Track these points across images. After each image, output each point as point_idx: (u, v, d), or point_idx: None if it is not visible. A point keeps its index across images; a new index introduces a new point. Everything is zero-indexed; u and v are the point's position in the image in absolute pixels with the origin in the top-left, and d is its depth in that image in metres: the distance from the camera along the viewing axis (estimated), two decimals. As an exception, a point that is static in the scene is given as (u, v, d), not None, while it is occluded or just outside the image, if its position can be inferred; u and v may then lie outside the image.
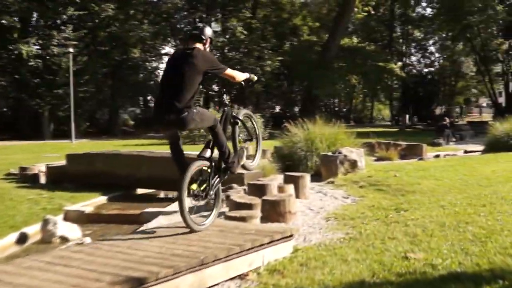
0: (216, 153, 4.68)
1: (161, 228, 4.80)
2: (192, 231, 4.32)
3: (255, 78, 4.95)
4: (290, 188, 6.87)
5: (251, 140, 5.28)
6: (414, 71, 50.17)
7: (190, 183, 4.31)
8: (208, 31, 4.58)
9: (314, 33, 39.13)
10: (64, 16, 26.18)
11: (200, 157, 4.53)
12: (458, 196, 6.59)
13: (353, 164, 9.37)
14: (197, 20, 36.90)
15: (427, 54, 53.72)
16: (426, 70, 51.27)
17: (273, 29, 36.36)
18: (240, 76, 4.77)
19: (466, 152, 16.13)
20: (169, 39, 36.88)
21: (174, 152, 4.61)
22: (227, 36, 38.15)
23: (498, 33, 37.51)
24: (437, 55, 53.81)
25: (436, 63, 54.08)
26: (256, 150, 5.34)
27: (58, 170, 9.09)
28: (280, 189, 6.72)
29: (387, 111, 62.33)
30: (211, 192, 4.59)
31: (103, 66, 28.37)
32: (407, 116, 41.35)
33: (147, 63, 36.61)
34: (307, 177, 7.43)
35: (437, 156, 12.17)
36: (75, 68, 24.92)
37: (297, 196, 7.07)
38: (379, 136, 14.81)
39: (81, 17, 26.93)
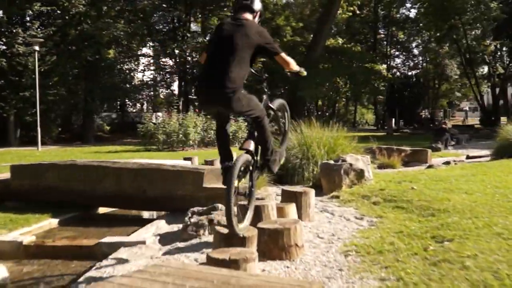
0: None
1: (113, 279, 3.19)
2: (233, 233, 3.81)
3: (305, 73, 4.54)
4: (292, 209, 5.31)
5: (278, 134, 4.77)
6: (398, 73, 49.33)
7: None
8: (258, 4, 4.20)
9: (297, 33, 37.74)
10: (30, 12, 24.15)
11: (243, 149, 4.05)
12: (510, 217, 5.10)
13: (360, 174, 7.88)
14: (175, 19, 35.32)
15: (411, 56, 53.03)
16: (411, 72, 50.44)
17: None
18: (294, 65, 4.31)
19: (469, 157, 14.88)
20: (147, 39, 35.14)
21: (220, 137, 4.27)
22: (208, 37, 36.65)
23: (485, 35, 36.65)
24: (420, 58, 53.16)
25: (420, 66, 53.42)
26: (281, 147, 4.76)
27: (0, 185, 7.35)
28: (280, 211, 5.17)
29: (370, 115, 61.45)
30: (253, 190, 4.20)
31: (75, 67, 26.37)
32: (393, 119, 40.32)
33: (124, 65, 34.75)
34: (312, 193, 5.88)
35: (447, 163, 10.73)
36: (42, 69, 23.02)
37: (300, 218, 5.55)
38: (367, 141, 13.15)
39: (49, 13, 24.99)
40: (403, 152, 11.51)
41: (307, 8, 42.15)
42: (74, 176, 6.87)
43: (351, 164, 7.81)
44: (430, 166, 10.36)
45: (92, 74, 28.74)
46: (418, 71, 50.96)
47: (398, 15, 46.92)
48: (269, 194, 5.96)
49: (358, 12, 37.17)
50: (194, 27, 37.96)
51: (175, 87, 40.41)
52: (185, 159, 13.31)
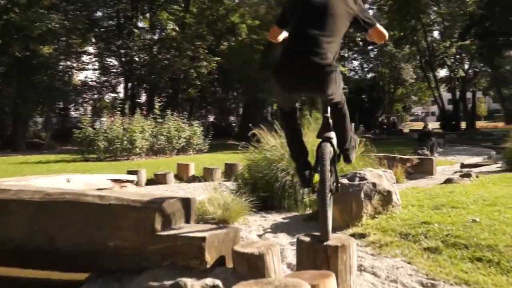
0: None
1: None
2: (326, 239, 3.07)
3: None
4: (331, 285, 2.72)
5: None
6: (357, 76, 48.01)
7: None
8: None
9: (254, 32, 35.37)
10: None
11: (325, 138, 3.27)
12: None
13: (386, 198, 5.39)
14: (121, 14, 32.14)
15: (366, 58, 51.93)
16: (369, 75, 49.28)
17: (209, 26, 32.15)
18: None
19: (464, 166, 12.94)
20: (89, 35, 31.77)
21: (293, 127, 3.44)
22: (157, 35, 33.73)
23: (444, 38, 35.50)
24: (375, 62, 52.18)
25: (375, 69, 52.50)
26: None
27: None
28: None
29: (325, 120, 60.27)
30: (339, 186, 3.37)
31: (1, 63, 22.72)
32: (353, 124, 38.70)
33: (61, 63, 31.11)
34: (353, 247, 3.25)
35: (468, 175, 8.46)
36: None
37: (337, 296, 2.98)
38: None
39: (-33, -1, 21.46)
40: (408, 162, 9.21)
41: (263, 7, 39.96)
42: None
43: (374, 184, 5.33)
44: (449, 180, 8.05)
45: (24, 72, 25.10)
46: (376, 74, 49.94)
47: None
48: (271, 246, 3.30)
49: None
50: (141, 23, 34.84)
51: (120, 89, 37.07)
52: (129, 172, 10.51)
